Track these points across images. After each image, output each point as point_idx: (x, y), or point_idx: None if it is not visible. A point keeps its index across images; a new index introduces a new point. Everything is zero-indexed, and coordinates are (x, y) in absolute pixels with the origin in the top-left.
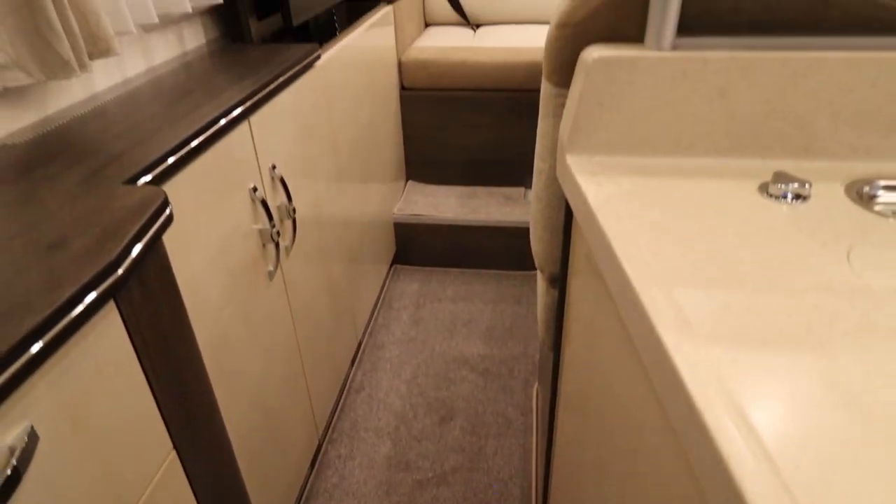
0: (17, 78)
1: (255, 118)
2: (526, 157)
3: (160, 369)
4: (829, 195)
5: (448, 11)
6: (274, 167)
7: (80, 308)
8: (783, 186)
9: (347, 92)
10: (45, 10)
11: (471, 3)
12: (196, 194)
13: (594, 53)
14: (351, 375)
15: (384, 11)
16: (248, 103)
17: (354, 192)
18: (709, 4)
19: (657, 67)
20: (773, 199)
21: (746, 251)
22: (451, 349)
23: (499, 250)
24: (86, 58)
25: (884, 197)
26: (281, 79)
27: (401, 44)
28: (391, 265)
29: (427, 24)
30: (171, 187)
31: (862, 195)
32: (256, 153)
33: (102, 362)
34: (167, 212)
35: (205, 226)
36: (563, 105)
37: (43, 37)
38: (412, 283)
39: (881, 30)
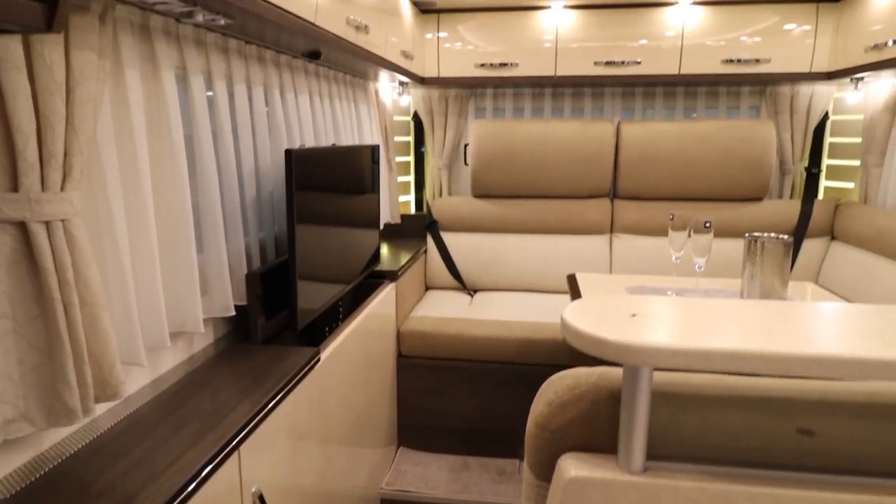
0: (22, 429)
1: (245, 446)
2: (519, 427)
3: None
4: None
5: (448, 277)
6: (255, 488)
7: None
8: None
9: (345, 380)
10: (65, 367)
11: (468, 271)
12: None
13: (571, 470)
14: None
15: (388, 290)
16: (241, 435)
17: (342, 467)
18: (674, 431)
19: (630, 491)
20: None
21: None
22: None
23: None
24: (91, 403)
25: None
26: (277, 398)
27: (401, 311)
28: None
29: (427, 288)
30: None
31: None
32: (241, 481)
33: None
34: None
35: None
36: (543, 496)
37: (56, 390)
38: None
39: (850, 469)
